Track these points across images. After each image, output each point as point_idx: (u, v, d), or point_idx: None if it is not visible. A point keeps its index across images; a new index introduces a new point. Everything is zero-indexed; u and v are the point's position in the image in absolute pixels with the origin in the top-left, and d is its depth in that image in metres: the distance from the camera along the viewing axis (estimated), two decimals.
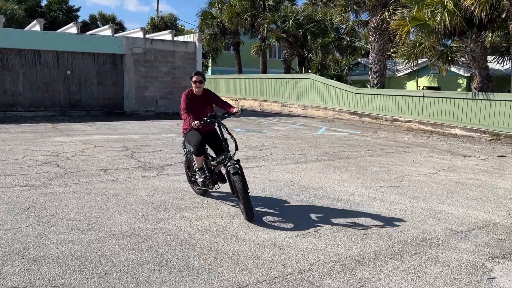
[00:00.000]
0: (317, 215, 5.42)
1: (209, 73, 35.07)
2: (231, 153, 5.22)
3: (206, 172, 5.62)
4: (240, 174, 4.96)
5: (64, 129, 12.82)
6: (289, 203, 5.90)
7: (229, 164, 5.09)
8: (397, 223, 5.18)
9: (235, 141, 5.31)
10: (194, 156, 5.55)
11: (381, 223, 5.16)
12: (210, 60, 34.73)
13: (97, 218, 4.99)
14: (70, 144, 10.06)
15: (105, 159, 8.42)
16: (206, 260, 3.94)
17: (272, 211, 5.52)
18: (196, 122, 5.11)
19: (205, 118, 5.25)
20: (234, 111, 5.39)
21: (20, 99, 16.48)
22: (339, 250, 4.30)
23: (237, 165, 5.04)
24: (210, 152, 5.74)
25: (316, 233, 4.78)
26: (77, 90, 17.65)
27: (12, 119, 15.22)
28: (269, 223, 5.05)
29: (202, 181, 5.62)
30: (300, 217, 5.32)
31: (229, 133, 5.35)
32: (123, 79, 18.46)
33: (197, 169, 5.67)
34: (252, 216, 4.99)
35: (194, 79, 5.48)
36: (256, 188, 6.52)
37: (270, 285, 3.53)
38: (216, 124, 5.33)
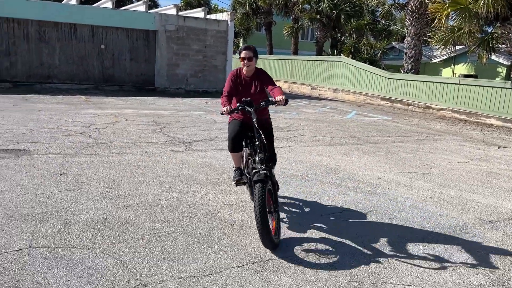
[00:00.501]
0: (342, 197, 5.38)
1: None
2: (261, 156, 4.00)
3: (244, 176, 4.47)
4: (263, 182, 3.67)
5: (96, 102, 13.12)
6: (315, 183, 5.88)
7: (257, 168, 3.92)
8: (424, 209, 5.09)
9: (264, 146, 4.01)
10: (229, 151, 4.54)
11: (407, 208, 5.08)
12: (242, 40, 34.55)
13: (126, 187, 5.12)
14: (102, 116, 10.30)
15: (135, 132, 8.58)
16: (230, 233, 4.00)
17: (296, 189, 5.51)
18: (225, 108, 4.11)
19: (238, 105, 4.13)
20: (275, 100, 4.08)
21: (56, 71, 16.90)
22: (363, 232, 4.27)
23: (266, 172, 3.80)
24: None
25: (340, 214, 4.75)
26: (110, 65, 17.95)
27: (48, 90, 15.66)
28: (292, 203, 5.06)
29: (235, 184, 4.55)
30: (325, 197, 5.29)
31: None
32: (155, 55, 18.63)
33: (233, 169, 4.68)
34: (271, 247, 3.65)
35: (242, 54, 4.27)
36: (282, 167, 6.52)
37: (291, 260, 3.55)
38: (252, 114, 4.03)
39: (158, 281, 3.08)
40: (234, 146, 4.42)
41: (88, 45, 17.39)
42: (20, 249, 3.40)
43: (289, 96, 20.06)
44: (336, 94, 20.96)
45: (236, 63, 28.43)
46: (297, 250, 3.76)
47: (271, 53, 29.28)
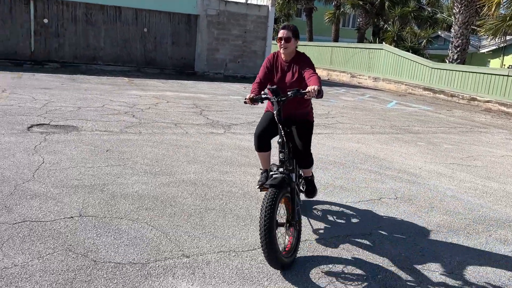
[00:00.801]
0: (380, 184, 5.34)
1: None
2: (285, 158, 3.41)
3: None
4: (276, 188, 3.00)
5: (139, 84, 13.48)
6: (353, 170, 5.86)
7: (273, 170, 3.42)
8: (465, 201, 4.99)
9: (284, 145, 3.38)
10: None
11: (447, 199, 4.99)
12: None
13: (168, 165, 5.29)
14: (145, 97, 10.59)
15: (176, 114, 8.79)
16: None
17: (334, 175, 5.52)
18: (250, 95, 3.53)
19: (262, 93, 3.61)
20: (307, 90, 3.28)
21: (101, 53, 17.43)
22: (401, 220, 4.25)
23: (283, 176, 3.20)
24: None
25: (378, 201, 4.74)
26: (152, 48, 18.32)
27: (93, 71, 16.20)
28: (330, 189, 5.08)
29: (259, 189, 3.99)
30: (363, 184, 5.27)
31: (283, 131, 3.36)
32: (196, 40, 18.83)
33: (260, 171, 4.18)
34: (279, 267, 3.03)
35: (279, 34, 3.66)
36: (320, 154, 6.53)
37: (327, 242, 3.59)
38: (274, 105, 3.31)
39: (200, 253, 3.21)
40: (260, 144, 3.86)
41: (132, 28, 17.79)
42: (72, 217, 3.61)
43: (328, 84, 19.88)
44: (376, 83, 20.54)
45: (275, 49, 28.35)
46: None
47: (310, 39, 28.96)
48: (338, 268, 3.21)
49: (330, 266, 3.22)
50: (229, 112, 9.60)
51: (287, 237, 3.21)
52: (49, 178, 4.44)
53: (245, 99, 3.54)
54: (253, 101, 3.50)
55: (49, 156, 5.15)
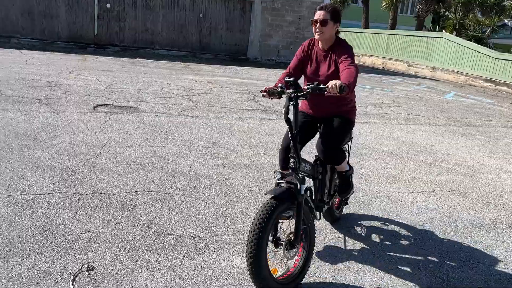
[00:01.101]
0: (435, 176, 5.25)
1: None
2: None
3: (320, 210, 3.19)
4: (275, 200, 2.49)
5: (194, 69, 13.84)
6: (406, 161, 5.79)
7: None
8: None
9: (296, 150, 2.71)
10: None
11: (506, 194, 4.83)
12: None
13: (223, 148, 5.49)
14: (200, 82, 10.89)
15: (230, 99, 8.99)
16: None
17: (387, 165, 5.48)
18: (268, 87, 2.89)
19: (279, 85, 2.84)
20: (327, 85, 2.60)
21: (158, 38, 18.00)
22: (455, 212, 4.19)
23: (289, 187, 2.60)
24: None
25: (432, 193, 4.68)
26: (207, 34, 18.66)
27: (150, 55, 16.79)
28: (382, 178, 5.06)
29: None
30: (416, 175, 5.21)
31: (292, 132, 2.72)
32: (249, 26, 18.96)
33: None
34: None
35: (314, 16, 3.03)
36: (373, 143, 6.49)
37: (380, 231, 3.63)
38: (289, 101, 2.65)
39: None
40: (287, 161, 2.96)
41: (189, 14, 18.20)
42: (136, 191, 3.89)
43: (382, 72, 19.38)
44: (434, 73, 19.76)
45: None
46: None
47: (366, 26, 28.22)
48: (388, 254, 3.25)
49: (381, 252, 3.27)
50: (281, 99, 9.66)
51: (290, 260, 2.68)
52: (114, 155, 4.76)
53: (262, 91, 2.90)
54: (271, 94, 2.85)
55: (113, 135, 5.51)
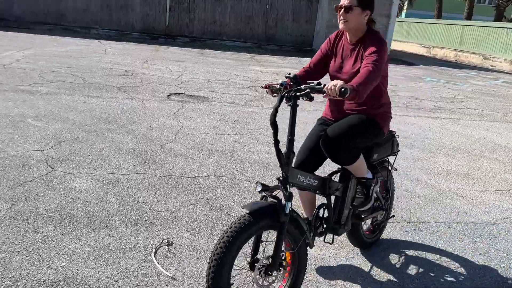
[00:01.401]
0: (510, 176, 5.02)
1: (402, 16, 32.82)
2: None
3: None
4: (252, 216, 2.10)
5: (259, 60, 14.04)
6: (479, 158, 5.56)
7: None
8: None
9: (283, 162, 2.37)
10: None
11: None
12: (406, 2, 32.34)
13: None
14: (265, 73, 11.06)
15: None
16: None
17: (458, 162, 5.31)
18: (269, 83, 2.46)
19: (280, 81, 2.37)
20: (323, 87, 2.17)
21: (226, 29, 18.42)
22: None
23: (274, 203, 2.20)
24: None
25: (507, 192, 4.49)
26: (273, 25, 18.79)
27: (218, 46, 17.24)
28: (453, 175, 4.92)
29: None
30: (490, 173, 5.01)
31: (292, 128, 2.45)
32: (316, 17, 18.81)
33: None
34: None
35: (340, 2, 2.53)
36: (443, 139, 6.30)
37: (448, 227, 3.58)
38: (280, 100, 2.25)
39: None
40: (301, 162, 2.74)
41: (256, 5, 18.41)
42: (208, 176, 4.12)
43: (455, 66, 18.43)
44: None
45: (399, 27, 26.73)
46: None
47: (439, 17, 26.88)
48: (456, 252, 3.21)
49: (448, 248, 3.24)
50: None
51: (273, 283, 2.27)
52: (187, 141, 5.05)
53: (263, 86, 2.51)
54: (273, 91, 2.46)
55: (186, 122, 5.82)
